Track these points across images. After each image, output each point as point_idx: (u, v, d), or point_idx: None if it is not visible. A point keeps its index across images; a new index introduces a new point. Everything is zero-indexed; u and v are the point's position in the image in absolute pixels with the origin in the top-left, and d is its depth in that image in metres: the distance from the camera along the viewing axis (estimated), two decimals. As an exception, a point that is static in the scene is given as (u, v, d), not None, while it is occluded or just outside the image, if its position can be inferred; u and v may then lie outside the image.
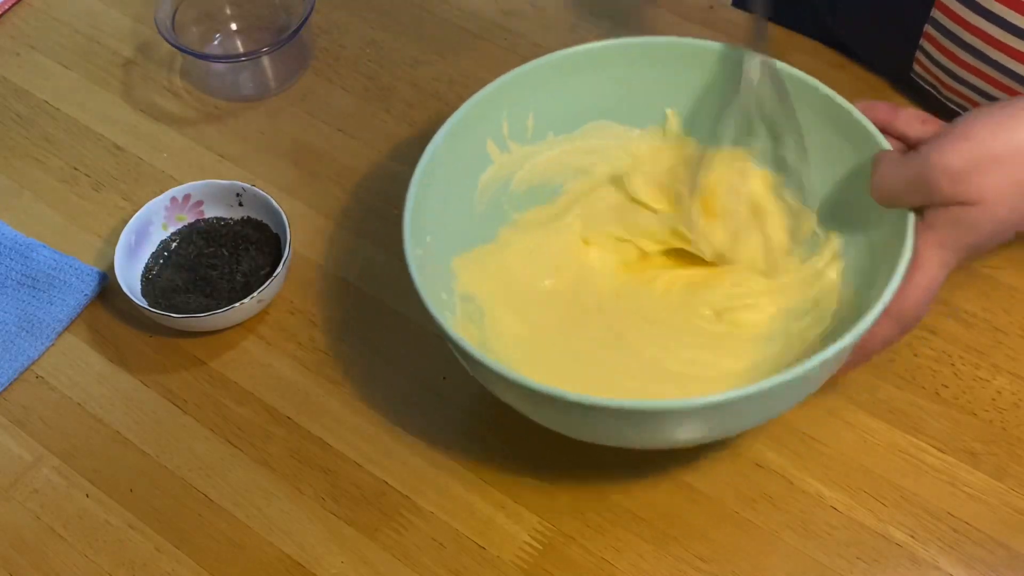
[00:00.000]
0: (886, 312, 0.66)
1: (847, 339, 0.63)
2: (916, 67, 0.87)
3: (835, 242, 0.74)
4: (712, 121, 0.78)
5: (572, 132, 0.80)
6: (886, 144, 0.70)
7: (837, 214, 0.75)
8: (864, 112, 0.71)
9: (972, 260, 0.69)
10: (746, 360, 0.73)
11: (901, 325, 0.67)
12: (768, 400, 0.64)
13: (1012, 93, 0.80)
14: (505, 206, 0.79)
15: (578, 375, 0.73)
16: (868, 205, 0.69)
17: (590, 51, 0.77)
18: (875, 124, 0.70)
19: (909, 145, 0.70)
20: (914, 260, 0.66)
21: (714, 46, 0.76)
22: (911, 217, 0.66)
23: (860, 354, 0.68)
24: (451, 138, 0.74)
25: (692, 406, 0.62)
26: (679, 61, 0.77)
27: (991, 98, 0.82)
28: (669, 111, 0.79)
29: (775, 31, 0.97)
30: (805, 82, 0.74)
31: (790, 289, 0.75)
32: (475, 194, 0.78)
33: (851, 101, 0.72)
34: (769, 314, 0.75)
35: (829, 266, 0.74)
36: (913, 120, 0.70)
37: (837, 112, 0.72)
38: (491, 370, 0.64)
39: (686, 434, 0.67)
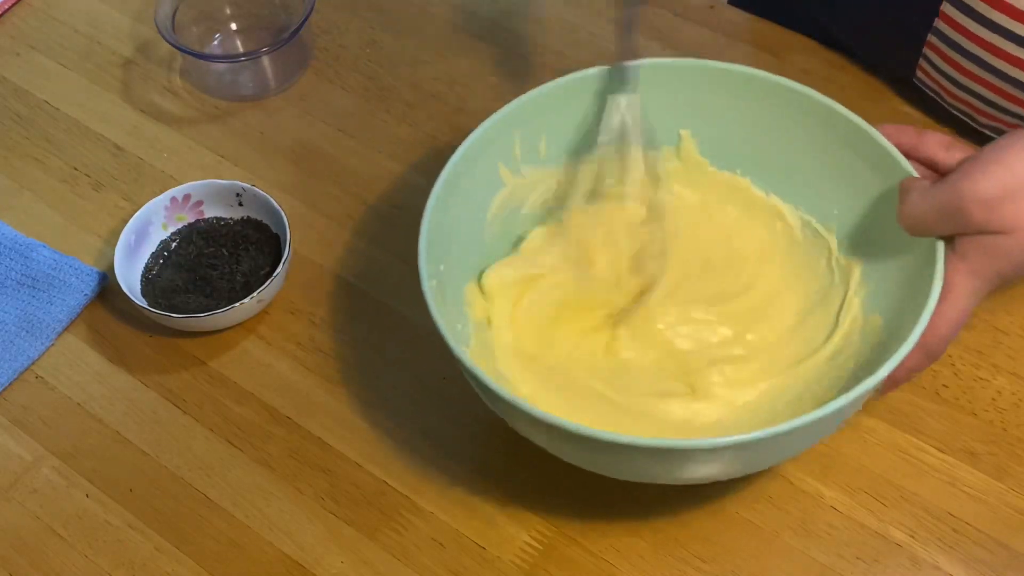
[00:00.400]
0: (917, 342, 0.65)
1: (876, 376, 0.62)
2: (919, 73, 0.87)
3: (856, 271, 0.74)
4: (725, 142, 0.78)
5: (585, 155, 0.79)
6: (911, 169, 0.69)
7: (860, 240, 0.74)
8: (888, 137, 0.70)
9: (1003, 288, 0.67)
10: (766, 389, 0.73)
11: (929, 355, 0.66)
12: (797, 439, 0.64)
13: (1015, 101, 0.80)
14: (518, 229, 0.79)
15: (592, 404, 0.73)
16: (893, 231, 0.68)
17: (602, 73, 0.76)
18: (899, 149, 0.70)
19: (934, 170, 0.69)
20: (944, 290, 0.65)
21: (725, 67, 0.75)
22: (940, 246, 0.65)
23: (887, 384, 0.67)
24: (462, 166, 0.73)
25: (715, 445, 0.61)
26: (691, 82, 0.76)
27: (995, 105, 0.82)
28: (683, 132, 0.79)
29: (775, 31, 0.97)
30: (828, 106, 0.73)
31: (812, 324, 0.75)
32: (487, 218, 0.77)
33: (876, 126, 0.71)
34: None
35: (851, 298, 0.73)
36: (938, 145, 0.69)
37: (861, 136, 0.71)
38: (528, 414, 0.63)
39: (706, 471, 0.66)
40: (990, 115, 0.84)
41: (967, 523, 0.71)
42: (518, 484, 0.74)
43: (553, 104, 0.76)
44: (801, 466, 0.74)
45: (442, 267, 0.70)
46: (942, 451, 0.74)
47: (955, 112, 0.87)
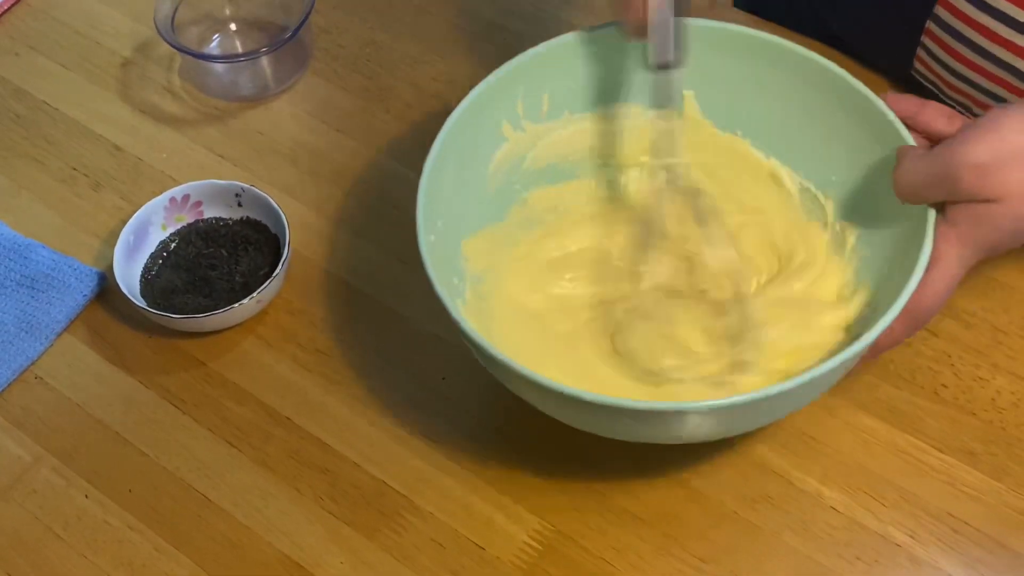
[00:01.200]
0: (902, 309, 0.65)
1: (863, 341, 0.62)
2: (917, 64, 0.87)
3: (851, 239, 0.74)
4: (728, 104, 0.77)
5: (587, 112, 0.79)
6: (909, 138, 0.69)
7: (857, 209, 0.74)
8: (890, 104, 0.70)
9: (990, 258, 0.68)
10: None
11: (915, 322, 0.67)
12: (785, 401, 0.65)
13: (1014, 90, 0.80)
14: (516, 185, 0.79)
15: (584, 359, 0.73)
16: (889, 201, 0.69)
17: (606, 33, 0.76)
18: (900, 117, 0.70)
19: (933, 141, 0.69)
20: (933, 257, 0.65)
21: (730, 28, 0.75)
22: (931, 214, 0.66)
23: (873, 350, 0.68)
24: (464, 121, 0.73)
25: (706, 407, 0.62)
26: (696, 44, 0.75)
27: (993, 95, 0.82)
28: (686, 93, 0.78)
29: (775, 31, 0.97)
30: (832, 71, 0.73)
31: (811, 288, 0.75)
32: (487, 174, 0.77)
33: (879, 94, 0.71)
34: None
35: (845, 266, 0.74)
36: (938, 115, 0.69)
37: (862, 103, 0.71)
38: (507, 367, 0.63)
39: (697, 433, 0.67)
40: (989, 106, 0.84)
41: (967, 523, 0.71)
42: (517, 484, 0.74)
43: (556, 61, 0.76)
44: (801, 466, 0.74)
45: (440, 223, 0.70)
46: (941, 451, 0.74)
47: (954, 105, 0.87)
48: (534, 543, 0.72)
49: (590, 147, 0.80)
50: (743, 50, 0.75)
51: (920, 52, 0.86)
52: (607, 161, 0.81)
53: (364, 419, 0.78)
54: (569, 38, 0.76)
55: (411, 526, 0.73)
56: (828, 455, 0.74)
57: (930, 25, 0.83)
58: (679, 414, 0.64)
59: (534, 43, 0.97)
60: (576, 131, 0.80)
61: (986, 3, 0.77)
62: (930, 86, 0.88)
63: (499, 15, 1.00)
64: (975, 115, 0.86)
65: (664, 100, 0.70)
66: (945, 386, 0.76)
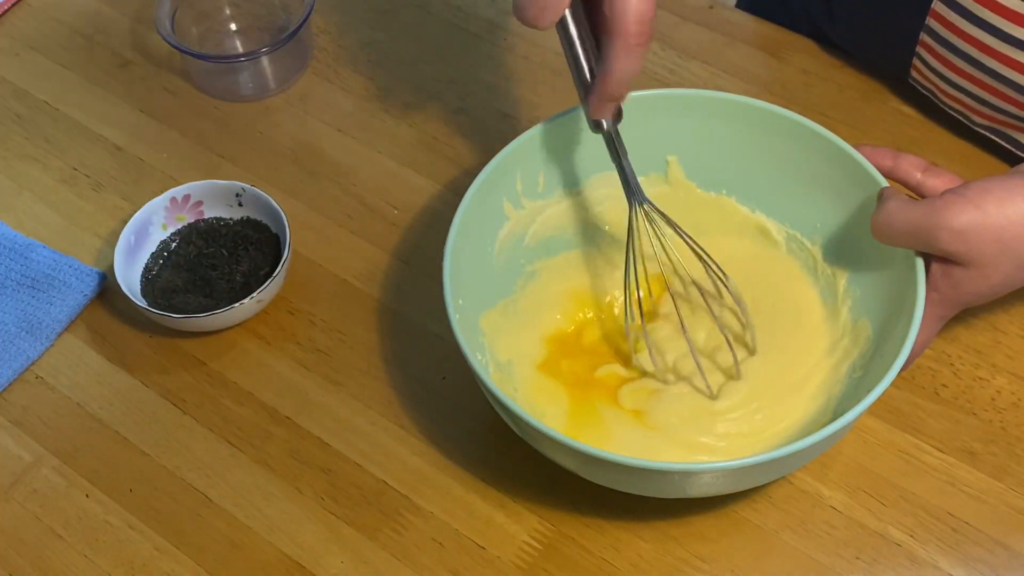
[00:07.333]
0: None
1: (864, 404, 0.64)
2: (914, 73, 0.87)
3: (843, 280, 0.76)
4: (711, 164, 0.80)
5: (580, 184, 0.81)
6: (884, 181, 0.72)
7: (843, 251, 0.77)
8: (866, 157, 0.73)
9: (963, 311, 0.71)
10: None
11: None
12: (791, 461, 0.66)
13: (1008, 100, 0.81)
14: (520, 260, 0.80)
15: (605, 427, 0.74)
16: (872, 241, 0.71)
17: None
18: (878, 170, 0.72)
19: (910, 189, 0.72)
20: None
21: (706, 95, 0.78)
22: (919, 263, 0.68)
23: None
24: (474, 204, 0.74)
25: (717, 468, 0.65)
26: (676, 110, 0.78)
27: (988, 105, 0.83)
28: (670, 158, 0.80)
29: (774, 31, 0.97)
30: (809, 127, 0.75)
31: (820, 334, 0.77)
32: (495, 252, 0.78)
33: (855, 146, 0.73)
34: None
35: (840, 306, 0.76)
36: (914, 168, 0.72)
37: (839, 154, 0.74)
38: (561, 443, 0.65)
39: (715, 489, 0.69)
40: (985, 115, 0.84)
41: (966, 523, 0.71)
42: (517, 483, 0.74)
43: (550, 141, 0.78)
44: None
45: (461, 301, 0.71)
46: (941, 451, 0.74)
47: (950, 112, 0.87)
48: (534, 542, 0.73)
49: (584, 217, 0.82)
50: (723, 113, 0.78)
51: (916, 61, 0.86)
52: (601, 229, 0.82)
53: (364, 419, 0.78)
54: (558, 119, 0.77)
55: (411, 525, 0.74)
56: (828, 454, 0.74)
57: (923, 36, 0.83)
58: (698, 473, 0.66)
59: (533, 43, 0.98)
60: (571, 203, 0.81)
61: (976, 16, 0.77)
62: (927, 93, 0.88)
63: (499, 15, 1.00)
64: (973, 123, 0.86)
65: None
66: (945, 386, 0.77)
